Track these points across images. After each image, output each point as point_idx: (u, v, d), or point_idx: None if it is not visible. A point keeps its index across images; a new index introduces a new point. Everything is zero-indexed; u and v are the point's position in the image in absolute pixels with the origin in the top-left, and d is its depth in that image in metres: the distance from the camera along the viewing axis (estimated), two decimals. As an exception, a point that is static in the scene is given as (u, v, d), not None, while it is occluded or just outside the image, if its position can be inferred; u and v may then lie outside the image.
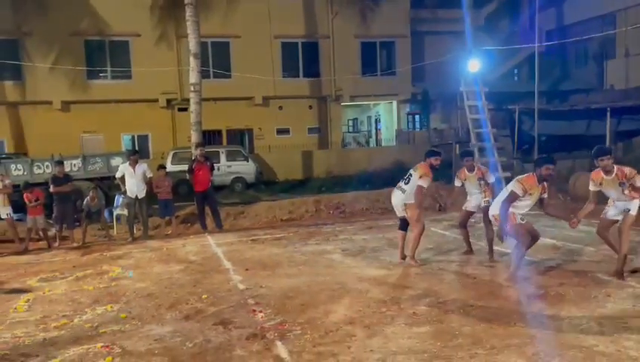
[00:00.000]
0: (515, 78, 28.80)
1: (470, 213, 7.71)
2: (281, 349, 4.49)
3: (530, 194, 6.16)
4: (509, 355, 4.14)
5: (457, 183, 7.70)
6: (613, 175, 6.05)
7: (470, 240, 7.80)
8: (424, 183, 6.79)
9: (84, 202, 10.53)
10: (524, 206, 6.25)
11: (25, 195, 10.14)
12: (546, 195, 6.36)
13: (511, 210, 6.13)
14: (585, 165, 14.55)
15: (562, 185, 12.81)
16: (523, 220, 6.26)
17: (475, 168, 7.53)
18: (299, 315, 5.30)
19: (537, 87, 13.09)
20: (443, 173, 14.08)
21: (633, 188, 5.98)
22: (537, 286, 5.92)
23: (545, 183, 6.30)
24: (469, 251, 7.65)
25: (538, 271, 6.54)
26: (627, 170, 6.09)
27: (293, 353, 4.39)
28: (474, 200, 7.55)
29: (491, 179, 7.53)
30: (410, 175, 6.94)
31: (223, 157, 18.74)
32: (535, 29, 17.52)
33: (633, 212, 6.09)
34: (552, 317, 4.91)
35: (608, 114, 18.38)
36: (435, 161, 6.97)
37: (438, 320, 4.99)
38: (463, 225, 7.68)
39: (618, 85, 24.16)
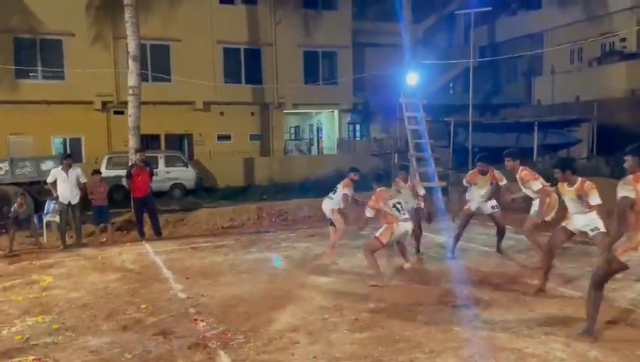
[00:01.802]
0: (451, 91, 29.94)
1: None
2: (224, 358, 4.46)
3: (475, 184, 7.84)
4: (446, 358, 4.31)
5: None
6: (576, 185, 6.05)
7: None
8: (348, 192, 7.89)
9: (12, 208, 9.97)
10: (477, 195, 7.89)
11: None
12: (500, 183, 7.80)
13: (468, 197, 8.00)
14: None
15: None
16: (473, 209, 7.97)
17: (409, 180, 8.19)
18: (242, 324, 5.27)
19: (472, 101, 13.67)
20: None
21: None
22: (472, 291, 6.18)
23: (494, 173, 7.82)
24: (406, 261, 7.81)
25: (473, 277, 6.82)
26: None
27: (236, 361, 4.37)
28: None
29: (422, 191, 8.17)
30: (337, 188, 8.09)
31: (161, 163, 18.26)
32: (470, 45, 18.32)
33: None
34: (486, 321, 5.15)
35: (536, 128, 19.50)
36: (354, 176, 8.09)
37: (379, 325, 5.11)
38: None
39: (545, 101, 25.65)
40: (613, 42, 23.99)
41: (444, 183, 13.59)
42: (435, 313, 5.43)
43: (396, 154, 19.18)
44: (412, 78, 14.47)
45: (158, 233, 10.75)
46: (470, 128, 13.80)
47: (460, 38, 29.50)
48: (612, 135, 18.83)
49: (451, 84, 29.83)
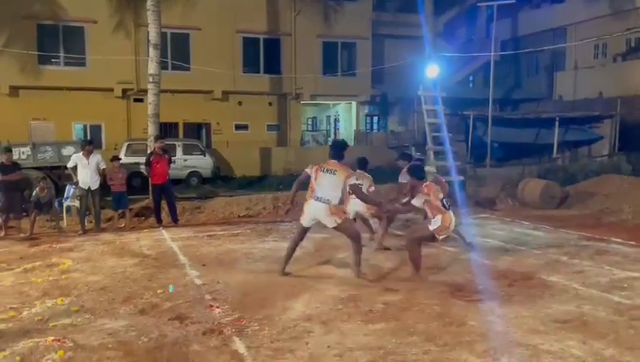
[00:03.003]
0: (470, 84, 29.63)
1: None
2: (238, 345, 4.50)
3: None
4: (460, 352, 4.30)
5: None
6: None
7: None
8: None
9: (34, 193, 10.13)
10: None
11: None
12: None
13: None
14: (533, 171, 15.17)
15: (512, 191, 13.29)
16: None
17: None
18: (256, 311, 5.31)
19: (492, 95, 13.51)
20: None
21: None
22: (488, 286, 6.14)
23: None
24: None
25: (489, 272, 6.78)
26: None
27: (250, 348, 4.41)
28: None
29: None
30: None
31: (179, 151, 18.43)
32: (491, 39, 18.09)
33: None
34: (501, 316, 5.12)
35: (557, 123, 19.21)
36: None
37: (393, 317, 5.12)
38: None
39: (567, 96, 25.26)
40: (639, 38, 23.49)
41: (461, 178, 13.49)
42: (450, 307, 5.41)
43: (413, 148, 19.07)
44: (432, 71, 14.32)
45: (175, 220, 10.86)
46: (490, 122, 13.65)
47: (481, 31, 29.14)
48: (635, 132, 18.50)
49: (471, 78, 29.52)
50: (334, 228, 6.36)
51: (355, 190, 6.51)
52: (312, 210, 6.35)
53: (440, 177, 9.08)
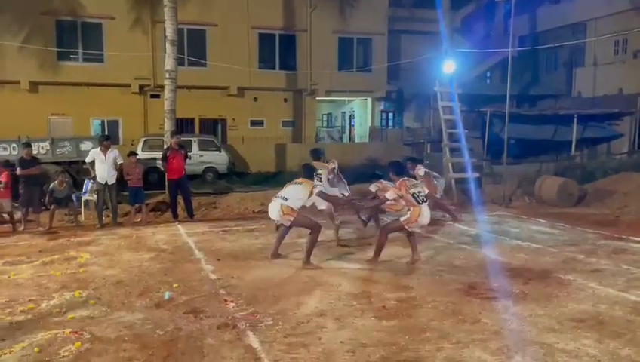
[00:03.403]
0: (488, 80, 29.34)
1: None
2: (252, 339, 4.53)
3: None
4: (473, 349, 4.29)
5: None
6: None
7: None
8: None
9: (51, 186, 10.26)
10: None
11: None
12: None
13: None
14: (551, 169, 14.99)
15: (528, 188, 13.16)
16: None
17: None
18: (270, 306, 5.35)
19: (509, 91, 13.34)
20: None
21: None
22: (502, 283, 6.11)
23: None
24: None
25: (503, 270, 6.73)
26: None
27: (264, 343, 4.44)
28: None
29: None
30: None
31: (195, 147, 18.56)
32: (509, 34, 17.85)
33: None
34: (515, 315, 5.09)
35: (575, 120, 18.94)
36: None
37: (407, 314, 5.11)
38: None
39: (586, 93, 24.87)
40: (661, 33, 23.01)
41: (477, 175, 13.40)
42: (464, 304, 5.39)
43: (429, 144, 18.98)
44: (448, 67, 14.20)
45: (190, 215, 10.96)
46: (507, 119, 13.49)
47: (499, 26, 28.80)
48: (656, 130, 18.17)
49: (488, 74, 29.22)
50: (291, 225, 7.09)
51: (321, 196, 7.20)
52: (270, 211, 7.16)
53: (432, 177, 9.64)
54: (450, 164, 13.73)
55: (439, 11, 16.66)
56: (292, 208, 6.91)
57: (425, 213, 6.85)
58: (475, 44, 24.41)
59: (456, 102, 14.29)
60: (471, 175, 13.19)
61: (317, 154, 8.76)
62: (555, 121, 19.76)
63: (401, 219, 6.93)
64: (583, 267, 6.88)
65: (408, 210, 6.86)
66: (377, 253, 7.13)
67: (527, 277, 6.39)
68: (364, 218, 8.91)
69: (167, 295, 5.66)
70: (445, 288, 5.96)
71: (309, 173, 7.43)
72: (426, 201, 6.91)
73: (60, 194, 10.18)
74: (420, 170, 9.33)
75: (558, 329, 4.71)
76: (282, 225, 7.32)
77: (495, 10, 28.32)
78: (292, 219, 6.94)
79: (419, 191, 6.88)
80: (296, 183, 7.20)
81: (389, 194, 6.91)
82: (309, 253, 7.00)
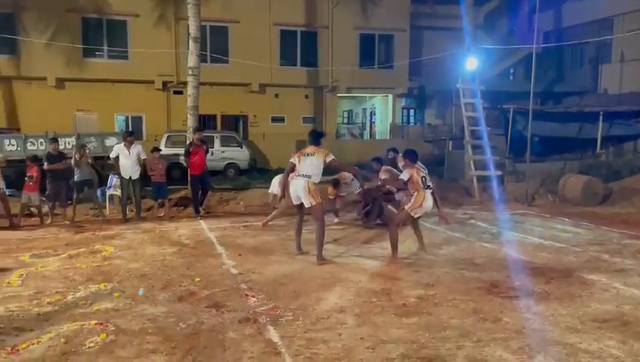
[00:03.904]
0: (511, 77, 28.94)
1: None
2: (273, 334, 4.58)
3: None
4: (494, 348, 4.26)
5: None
6: None
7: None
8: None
9: (72, 160, 10.35)
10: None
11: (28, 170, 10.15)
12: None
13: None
14: (575, 167, 14.76)
15: (552, 186, 12.98)
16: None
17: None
18: (291, 301, 5.39)
19: (533, 88, 13.16)
20: (435, 169, 14.24)
21: None
22: (524, 282, 6.05)
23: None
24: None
25: (526, 269, 6.67)
26: None
27: (284, 338, 4.48)
28: None
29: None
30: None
31: (217, 143, 18.73)
32: (533, 30, 17.59)
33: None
34: (537, 314, 5.05)
35: (601, 118, 18.59)
36: None
37: (427, 311, 5.11)
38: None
39: (612, 90, 24.38)
40: (691, 29, 22.41)
41: (499, 172, 13.26)
42: (485, 303, 5.36)
43: (451, 141, 18.81)
44: (471, 63, 14.07)
45: (202, 205, 11.13)
46: (530, 116, 13.31)
47: (523, 22, 28.33)
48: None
49: (511, 70, 28.82)
50: (308, 208, 7.11)
51: (334, 163, 7.19)
52: (295, 187, 7.09)
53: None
54: (472, 162, 13.62)
55: (462, 7, 16.49)
56: (316, 187, 7.01)
57: (429, 198, 7.06)
58: (498, 40, 24.09)
59: (478, 99, 14.17)
60: (493, 173, 13.06)
61: (319, 137, 7.45)
62: (580, 118, 19.42)
63: (406, 207, 7.16)
64: (607, 267, 6.78)
65: (411, 195, 7.12)
66: (394, 249, 7.22)
67: (549, 276, 6.32)
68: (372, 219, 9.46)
69: (141, 291, 5.72)
70: (466, 286, 5.93)
71: (316, 139, 7.22)
72: (430, 188, 7.16)
73: (80, 175, 10.27)
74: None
75: (580, 330, 4.65)
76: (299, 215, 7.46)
77: (519, 6, 27.89)
78: (315, 202, 6.96)
79: (425, 177, 7.18)
80: (308, 156, 7.05)
81: (404, 175, 7.14)
82: (321, 247, 7.05)
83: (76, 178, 10.36)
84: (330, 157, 7.05)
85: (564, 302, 5.39)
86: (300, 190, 7.02)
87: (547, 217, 10.65)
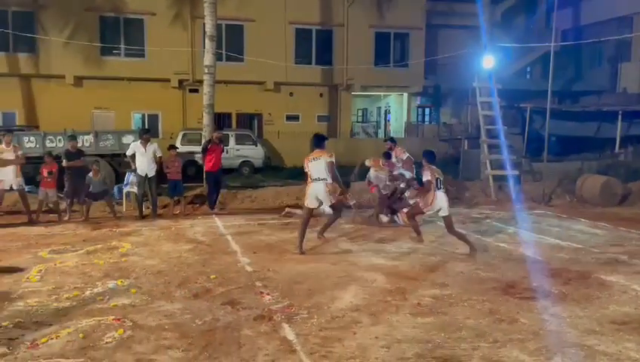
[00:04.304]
0: (528, 76, 28.64)
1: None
2: (288, 331, 4.59)
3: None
4: (511, 349, 4.23)
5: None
6: None
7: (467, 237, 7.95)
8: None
9: (87, 179, 10.50)
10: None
11: (43, 167, 10.26)
12: None
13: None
14: (593, 167, 14.57)
15: (569, 186, 12.83)
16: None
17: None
18: (305, 300, 5.41)
19: (550, 87, 13.02)
20: (450, 168, 14.16)
21: None
22: (541, 283, 5.99)
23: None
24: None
25: (543, 269, 6.61)
26: None
27: (299, 336, 4.50)
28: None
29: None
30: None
31: (232, 141, 18.82)
32: (551, 28, 17.35)
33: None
34: (554, 315, 4.99)
35: (620, 117, 18.32)
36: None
37: (442, 311, 5.08)
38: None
39: (631, 89, 24.00)
40: None
41: (516, 172, 13.13)
42: (501, 303, 5.32)
43: (466, 140, 18.68)
44: (488, 62, 13.94)
45: (213, 205, 11.19)
46: (548, 115, 13.16)
47: (540, 20, 28.06)
48: None
49: (528, 69, 28.52)
50: (330, 206, 7.54)
51: (330, 166, 7.42)
52: (314, 190, 7.43)
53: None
54: (488, 161, 13.51)
55: (479, 5, 16.36)
56: (334, 189, 7.44)
57: (439, 197, 7.32)
58: (515, 38, 23.80)
59: (495, 97, 14.03)
60: (510, 172, 12.94)
61: (320, 141, 7.73)
62: (599, 117, 19.17)
63: (421, 203, 7.62)
64: (626, 268, 6.69)
65: (424, 194, 7.53)
66: (418, 231, 7.87)
67: (567, 277, 6.25)
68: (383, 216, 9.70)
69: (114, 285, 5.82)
70: (482, 286, 5.89)
71: (318, 143, 7.62)
72: (442, 188, 7.41)
73: (95, 187, 10.41)
74: (404, 154, 10.02)
75: (599, 332, 4.60)
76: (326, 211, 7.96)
77: (537, 3, 27.60)
78: (334, 200, 7.46)
79: (439, 178, 7.43)
80: (315, 160, 7.44)
81: (426, 175, 7.44)
82: (327, 227, 7.96)
83: (91, 189, 10.43)
84: (329, 160, 7.41)
85: (582, 303, 5.33)
86: (320, 193, 7.38)
87: (564, 217, 10.54)
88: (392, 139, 10.53)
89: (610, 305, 5.27)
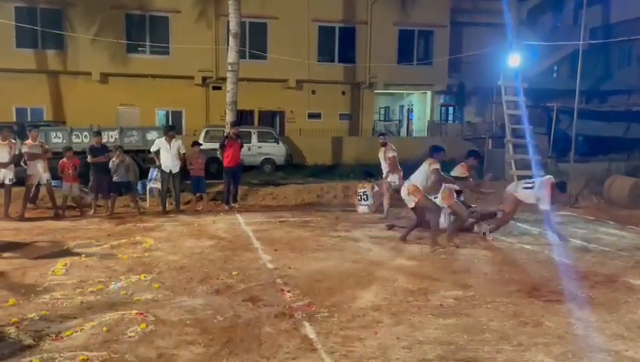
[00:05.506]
0: (555, 74, 28.15)
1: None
2: (308, 330, 4.58)
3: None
4: (536, 353, 4.15)
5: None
6: None
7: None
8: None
9: (110, 164, 10.63)
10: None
11: (62, 162, 10.40)
12: None
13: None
14: (621, 168, 14.23)
15: (597, 188, 12.56)
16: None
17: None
18: (326, 298, 5.38)
19: (578, 86, 12.75)
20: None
21: None
22: (567, 286, 5.87)
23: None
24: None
25: (568, 273, 6.47)
26: None
27: (320, 334, 4.48)
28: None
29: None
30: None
31: (254, 138, 18.88)
32: (580, 26, 17.00)
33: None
34: (580, 319, 4.88)
35: (650, 117, 17.88)
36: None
37: (465, 313, 5.01)
38: None
39: (662, 88, 23.42)
40: None
41: (542, 172, 12.89)
42: (526, 306, 5.22)
43: (490, 140, 18.45)
44: (514, 60, 13.71)
45: (234, 200, 11.24)
46: (575, 115, 12.90)
47: (568, 18, 27.55)
48: None
49: (555, 68, 28.03)
50: (415, 206, 7.64)
51: (436, 174, 7.58)
52: (402, 193, 7.89)
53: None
54: (512, 161, 13.31)
55: (504, 2, 16.11)
56: (417, 187, 7.54)
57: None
58: (541, 36, 23.45)
59: (521, 96, 13.80)
60: (535, 172, 12.70)
61: (438, 150, 7.87)
62: (628, 117, 18.76)
63: (439, 202, 7.85)
64: (655, 273, 6.50)
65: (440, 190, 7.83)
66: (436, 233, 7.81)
67: (593, 280, 6.11)
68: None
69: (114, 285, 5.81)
70: (506, 288, 5.79)
71: (430, 151, 7.80)
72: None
73: (120, 173, 10.50)
74: (391, 152, 10.35)
75: (627, 337, 4.48)
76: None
77: (564, 1, 27.08)
78: (416, 199, 7.52)
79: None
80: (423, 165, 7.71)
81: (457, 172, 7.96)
82: (454, 233, 7.91)
83: (114, 178, 10.55)
84: (433, 167, 7.58)
85: (609, 307, 5.20)
86: (403, 193, 7.81)
87: (591, 219, 10.31)
88: (383, 134, 10.56)
89: (639, 310, 5.13)
